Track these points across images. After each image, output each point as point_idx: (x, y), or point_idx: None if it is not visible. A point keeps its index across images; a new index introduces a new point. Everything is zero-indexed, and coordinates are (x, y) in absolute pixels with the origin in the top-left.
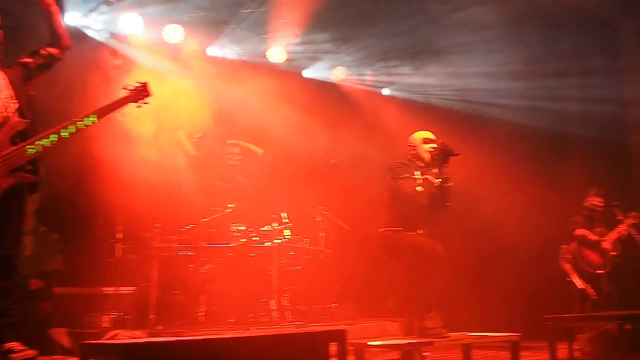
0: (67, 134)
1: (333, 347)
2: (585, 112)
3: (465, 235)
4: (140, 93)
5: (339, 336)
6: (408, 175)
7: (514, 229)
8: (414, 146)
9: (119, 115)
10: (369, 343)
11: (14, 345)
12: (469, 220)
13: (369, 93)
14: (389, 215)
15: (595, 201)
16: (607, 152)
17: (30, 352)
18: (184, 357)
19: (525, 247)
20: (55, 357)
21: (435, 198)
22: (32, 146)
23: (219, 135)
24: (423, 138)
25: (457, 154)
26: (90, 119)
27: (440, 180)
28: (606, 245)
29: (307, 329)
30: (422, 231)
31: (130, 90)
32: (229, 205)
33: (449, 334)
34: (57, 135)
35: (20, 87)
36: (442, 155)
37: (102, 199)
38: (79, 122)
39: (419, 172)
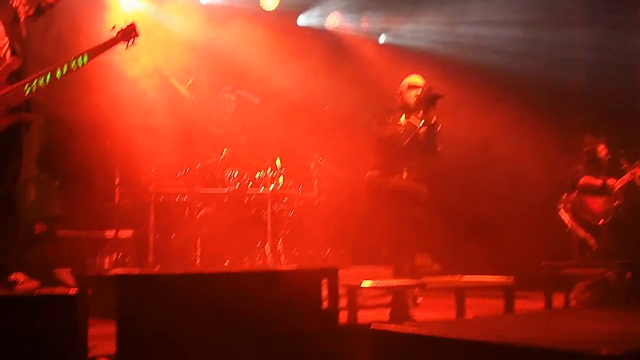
0: (60, 74)
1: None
2: (592, 60)
3: (462, 181)
4: (129, 34)
5: (331, 274)
6: (393, 120)
7: (513, 175)
8: (400, 92)
9: (116, 55)
10: (362, 284)
11: (18, 276)
12: (466, 166)
13: (365, 40)
14: (375, 159)
15: (599, 149)
16: (612, 100)
17: (34, 283)
18: (176, 290)
19: (525, 195)
20: (55, 289)
21: (419, 141)
22: (29, 86)
23: (212, 82)
24: (409, 84)
25: (442, 96)
26: (82, 59)
27: (424, 123)
28: (611, 184)
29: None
30: (406, 175)
31: (118, 31)
32: (224, 151)
33: (440, 269)
34: (51, 75)
35: (10, 25)
36: (428, 99)
37: (99, 145)
38: (71, 62)
39: (403, 118)
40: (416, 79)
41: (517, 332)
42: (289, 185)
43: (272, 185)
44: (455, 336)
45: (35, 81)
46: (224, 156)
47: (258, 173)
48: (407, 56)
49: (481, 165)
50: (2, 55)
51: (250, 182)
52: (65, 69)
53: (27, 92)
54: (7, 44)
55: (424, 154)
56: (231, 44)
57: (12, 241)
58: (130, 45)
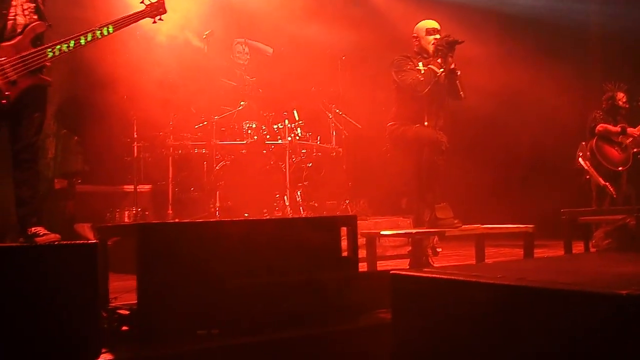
0: (84, 41)
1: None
2: (609, 8)
3: (481, 129)
4: (157, 9)
5: (350, 221)
6: (411, 67)
7: (532, 123)
8: (417, 37)
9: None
10: (381, 232)
11: (38, 229)
12: (485, 114)
13: None
14: (395, 109)
15: (618, 96)
16: (630, 48)
17: (54, 236)
18: (197, 238)
19: (545, 144)
20: (76, 241)
21: (440, 88)
22: (52, 50)
23: (227, 35)
24: (426, 29)
25: (461, 42)
26: (107, 29)
27: (443, 70)
28: (630, 131)
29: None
30: (427, 123)
31: (147, 5)
32: (241, 103)
33: (461, 225)
34: (74, 42)
35: None
36: (447, 45)
37: (117, 101)
38: (96, 31)
39: (421, 64)
40: (434, 24)
41: (537, 275)
42: (307, 137)
43: (290, 137)
44: (474, 279)
45: (59, 47)
46: (241, 108)
47: (276, 125)
48: (423, 4)
49: (502, 116)
50: (30, 19)
51: (268, 134)
52: (90, 37)
53: (50, 56)
54: (34, 7)
55: (448, 99)
56: None
57: (33, 194)
58: (157, 21)
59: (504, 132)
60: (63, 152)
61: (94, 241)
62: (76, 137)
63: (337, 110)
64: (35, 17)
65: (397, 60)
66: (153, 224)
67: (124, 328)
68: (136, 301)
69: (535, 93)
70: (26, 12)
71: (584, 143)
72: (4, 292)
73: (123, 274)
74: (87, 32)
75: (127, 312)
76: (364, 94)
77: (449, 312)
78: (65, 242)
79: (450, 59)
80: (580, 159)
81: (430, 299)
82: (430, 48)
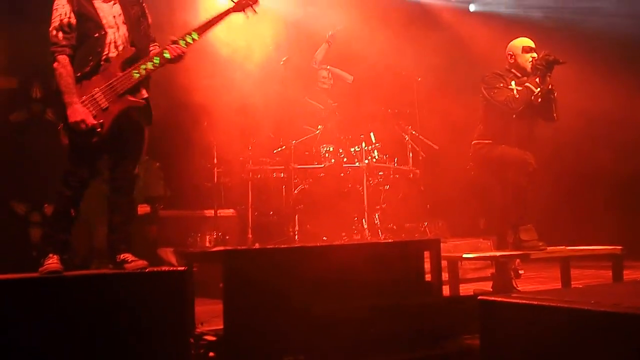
0: (168, 55)
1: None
2: None
3: (564, 147)
4: (247, 1)
5: (433, 245)
6: (504, 85)
7: (615, 140)
8: (512, 55)
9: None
10: (464, 256)
11: (127, 256)
12: (568, 132)
13: (455, 9)
14: (482, 127)
15: None
16: None
17: (142, 263)
18: (281, 264)
19: (629, 160)
20: (163, 267)
21: (533, 108)
22: (137, 70)
23: (305, 58)
24: (523, 46)
25: (563, 62)
26: (191, 36)
27: (540, 89)
28: None
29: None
30: (515, 143)
31: (235, 1)
32: (319, 127)
33: (546, 247)
34: (159, 58)
35: (135, 22)
36: (546, 64)
37: (197, 126)
38: (180, 41)
39: (514, 82)
40: (530, 42)
41: (632, 300)
42: (384, 159)
43: (367, 160)
44: (567, 305)
45: (144, 66)
46: (319, 132)
47: (353, 148)
48: (498, 25)
49: (586, 133)
50: (124, 48)
51: (345, 157)
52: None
53: (136, 77)
54: (129, 36)
55: (541, 120)
56: (319, 16)
57: (124, 220)
58: (251, 14)
59: (587, 150)
60: (145, 178)
61: (183, 267)
62: (157, 163)
63: (414, 132)
64: (127, 44)
65: (487, 77)
66: (239, 250)
67: (211, 354)
68: (222, 327)
69: (621, 109)
70: (120, 47)
71: None
72: (95, 319)
73: (204, 298)
74: (170, 44)
75: (214, 338)
76: (440, 115)
77: (541, 339)
78: (154, 269)
79: (548, 78)
80: None
81: (522, 325)
82: (528, 66)
